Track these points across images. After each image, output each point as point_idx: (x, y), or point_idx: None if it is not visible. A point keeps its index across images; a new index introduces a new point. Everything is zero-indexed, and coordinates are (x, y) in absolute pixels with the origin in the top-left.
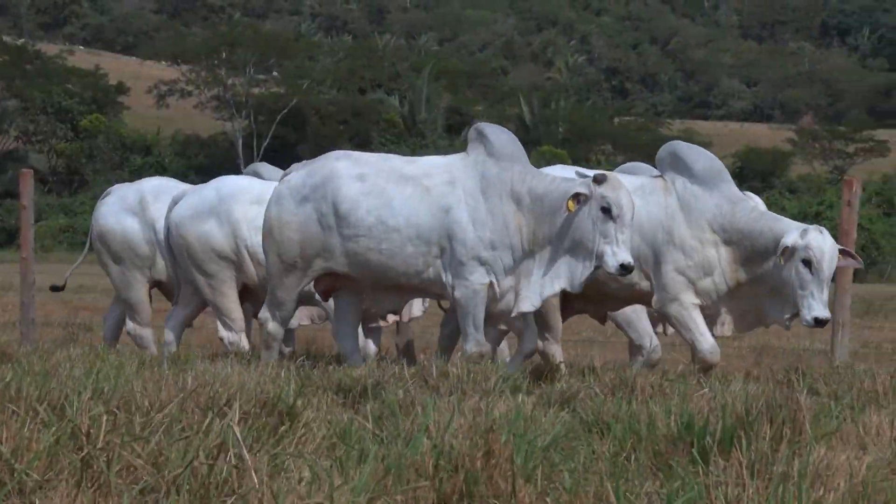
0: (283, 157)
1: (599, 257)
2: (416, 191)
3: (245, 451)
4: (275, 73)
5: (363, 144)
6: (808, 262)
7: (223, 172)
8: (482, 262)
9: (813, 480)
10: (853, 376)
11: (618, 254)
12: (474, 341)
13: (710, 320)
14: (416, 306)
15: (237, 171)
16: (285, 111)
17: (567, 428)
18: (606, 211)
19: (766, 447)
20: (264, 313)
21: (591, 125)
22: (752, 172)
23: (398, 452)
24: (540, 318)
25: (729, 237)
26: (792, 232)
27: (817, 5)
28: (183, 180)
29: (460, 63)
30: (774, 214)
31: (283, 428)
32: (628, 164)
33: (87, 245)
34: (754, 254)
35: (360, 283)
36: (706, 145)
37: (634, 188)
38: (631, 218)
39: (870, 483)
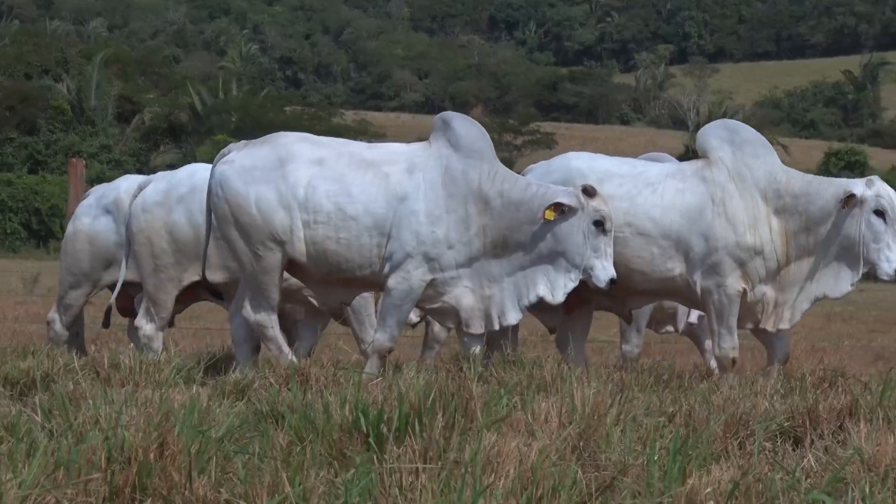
0: None
1: (588, 270)
2: (376, 177)
3: None
4: None
5: (31, 131)
6: (881, 212)
7: None
8: (428, 259)
9: (484, 467)
10: (522, 364)
11: (607, 268)
12: (390, 335)
13: (756, 312)
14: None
15: None
16: None
17: (242, 419)
18: (599, 225)
19: (440, 434)
20: (247, 309)
21: (263, 114)
22: None
23: (69, 446)
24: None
25: (784, 205)
26: (857, 183)
27: None
28: None
29: (131, 50)
30: (824, 177)
31: None
32: (651, 154)
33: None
34: (810, 222)
35: (311, 276)
36: (380, 137)
37: (670, 173)
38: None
39: (539, 468)
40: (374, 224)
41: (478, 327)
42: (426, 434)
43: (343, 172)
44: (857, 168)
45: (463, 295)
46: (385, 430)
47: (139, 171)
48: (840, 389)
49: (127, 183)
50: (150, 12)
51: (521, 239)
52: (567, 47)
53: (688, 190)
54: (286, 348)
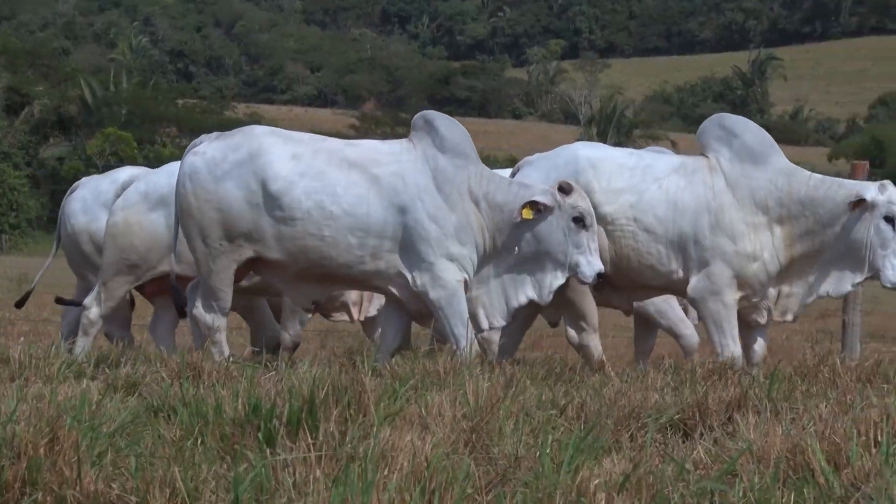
0: None
1: (574, 267)
2: (364, 178)
3: None
4: None
5: None
6: (891, 219)
7: None
8: (452, 259)
9: (378, 460)
10: (415, 358)
11: (593, 263)
12: (464, 339)
13: (762, 309)
14: (374, 305)
15: None
16: None
17: (134, 413)
18: (579, 221)
19: (334, 429)
20: (198, 309)
21: (154, 107)
22: None
23: None
24: (575, 308)
25: (788, 212)
26: (870, 188)
27: None
28: None
29: (20, 42)
30: (833, 178)
31: None
32: (652, 147)
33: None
34: (816, 224)
35: (284, 271)
36: None
37: (675, 167)
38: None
39: (432, 462)
40: (366, 225)
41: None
42: (321, 428)
43: (323, 169)
44: None
45: None
46: (277, 424)
47: (28, 164)
48: (729, 382)
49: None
50: (39, 4)
51: (506, 240)
52: (459, 42)
53: (688, 189)
54: (225, 355)
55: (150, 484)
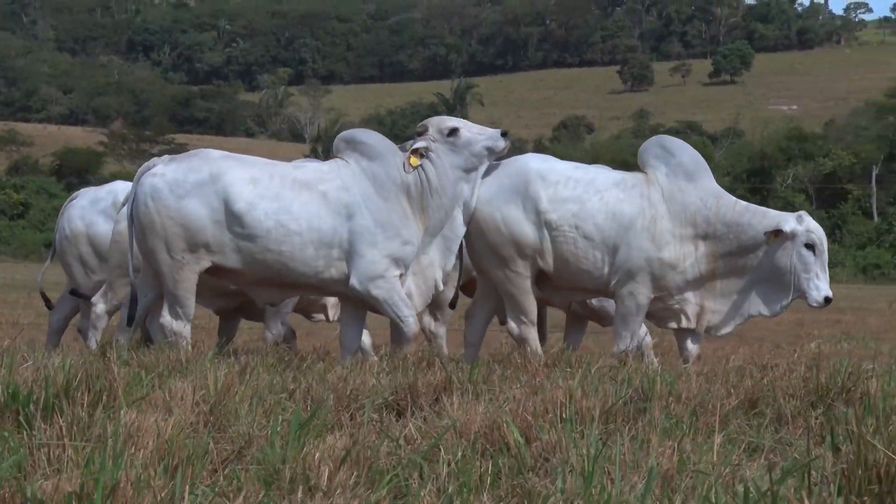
0: None
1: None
2: (314, 195)
3: None
4: None
5: None
6: (811, 246)
7: None
8: (394, 259)
9: (126, 440)
10: (161, 349)
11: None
12: (411, 317)
13: (679, 314)
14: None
15: None
16: None
17: None
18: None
19: (85, 413)
20: (165, 318)
21: None
22: (69, 170)
23: None
24: (513, 301)
25: (714, 231)
26: (789, 219)
27: (124, 23)
28: None
29: None
30: (758, 207)
31: None
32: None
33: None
34: (740, 248)
35: (242, 278)
36: (28, 145)
37: (616, 181)
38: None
39: (174, 441)
40: (320, 238)
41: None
42: (73, 412)
43: (278, 192)
44: None
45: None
46: (34, 409)
47: None
48: (437, 368)
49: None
50: None
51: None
52: (198, 68)
53: (626, 200)
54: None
55: None
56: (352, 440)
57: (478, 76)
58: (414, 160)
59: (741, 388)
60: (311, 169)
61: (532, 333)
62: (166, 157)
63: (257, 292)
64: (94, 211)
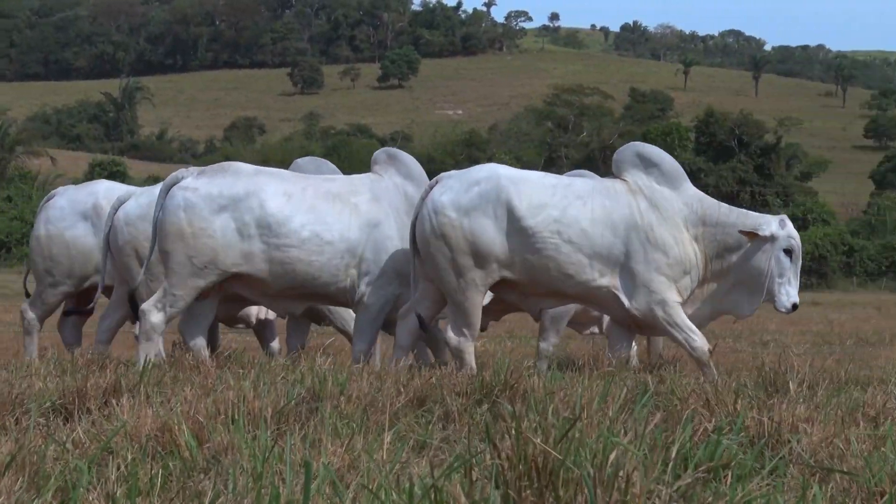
0: None
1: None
2: (346, 207)
3: None
4: None
5: None
6: (789, 251)
7: None
8: (399, 275)
9: None
10: None
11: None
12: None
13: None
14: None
15: None
16: None
17: None
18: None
19: None
20: (149, 305)
21: None
22: None
23: None
24: (461, 312)
25: (702, 234)
26: (771, 222)
27: None
28: None
29: None
30: (740, 209)
31: None
32: (575, 171)
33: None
34: (723, 249)
35: (267, 287)
36: None
37: (597, 189)
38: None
39: None
40: (348, 248)
41: None
42: None
43: (313, 204)
44: (118, 177)
45: None
46: None
47: None
48: (108, 371)
49: (104, 188)
50: None
51: None
52: None
53: (615, 209)
54: (154, 350)
55: None
56: (17, 445)
57: (147, 75)
58: None
59: (411, 387)
60: (343, 181)
61: (469, 348)
62: (193, 168)
63: (276, 305)
64: (73, 213)
